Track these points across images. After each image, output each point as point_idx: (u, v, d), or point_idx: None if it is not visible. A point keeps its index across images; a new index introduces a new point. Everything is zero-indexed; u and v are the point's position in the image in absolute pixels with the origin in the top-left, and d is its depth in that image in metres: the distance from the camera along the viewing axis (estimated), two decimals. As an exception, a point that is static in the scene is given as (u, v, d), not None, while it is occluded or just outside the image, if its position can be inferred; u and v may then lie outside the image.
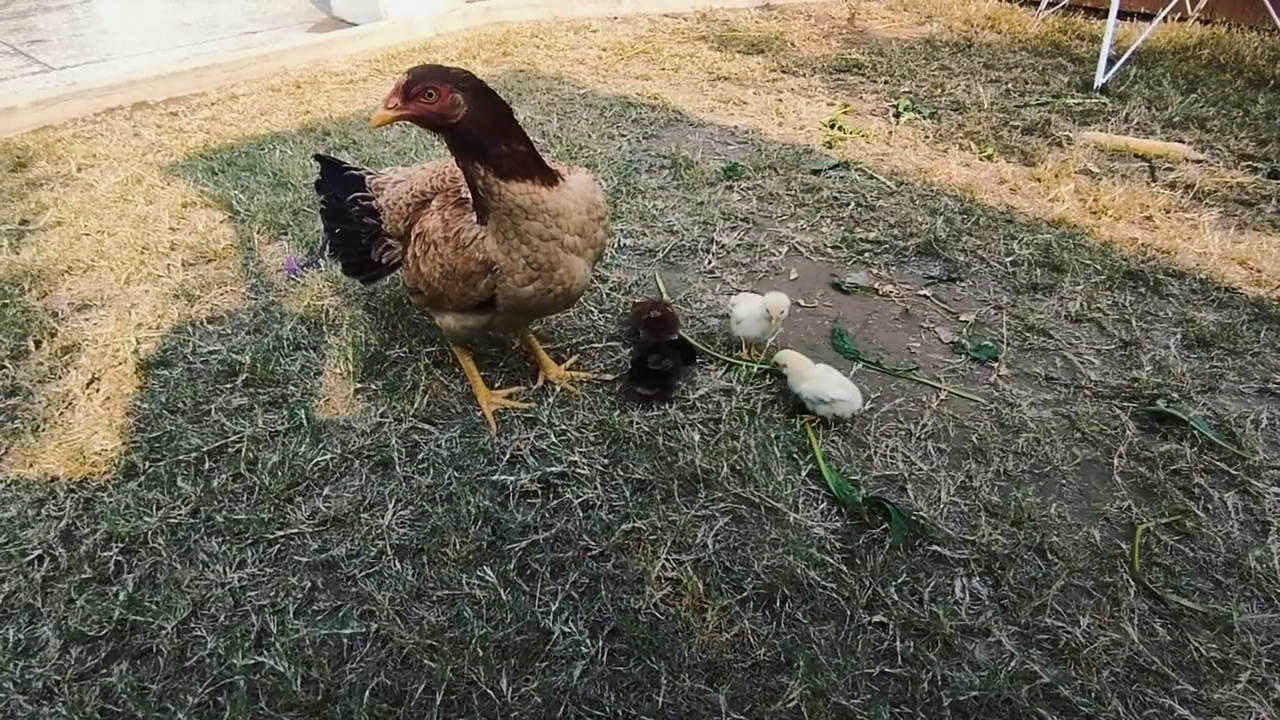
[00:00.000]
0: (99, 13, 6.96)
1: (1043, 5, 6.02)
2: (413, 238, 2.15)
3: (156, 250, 3.14)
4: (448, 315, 2.18)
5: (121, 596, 1.76)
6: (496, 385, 2.40)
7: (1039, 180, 3.60)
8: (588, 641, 1.68)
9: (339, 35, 5.70)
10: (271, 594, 1.79)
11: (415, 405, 2.30)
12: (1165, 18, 5.24)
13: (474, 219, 1.97)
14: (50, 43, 5.93)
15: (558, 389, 2.35)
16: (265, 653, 1.65)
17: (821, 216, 3.37)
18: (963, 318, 2.72)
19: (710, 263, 3.05)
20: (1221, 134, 4.01)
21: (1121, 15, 4.84)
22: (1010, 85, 4.77)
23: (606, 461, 2.12)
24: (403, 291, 2.70)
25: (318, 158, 2.56)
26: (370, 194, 2.34)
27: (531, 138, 4.11)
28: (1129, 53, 4.76)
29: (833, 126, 4.25)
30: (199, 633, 1.71)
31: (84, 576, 1.82)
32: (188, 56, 5.38)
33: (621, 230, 3.24)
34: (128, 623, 1.72)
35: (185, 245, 3.18)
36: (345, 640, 1.70)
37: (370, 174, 2.40)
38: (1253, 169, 3.66)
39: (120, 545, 1.89)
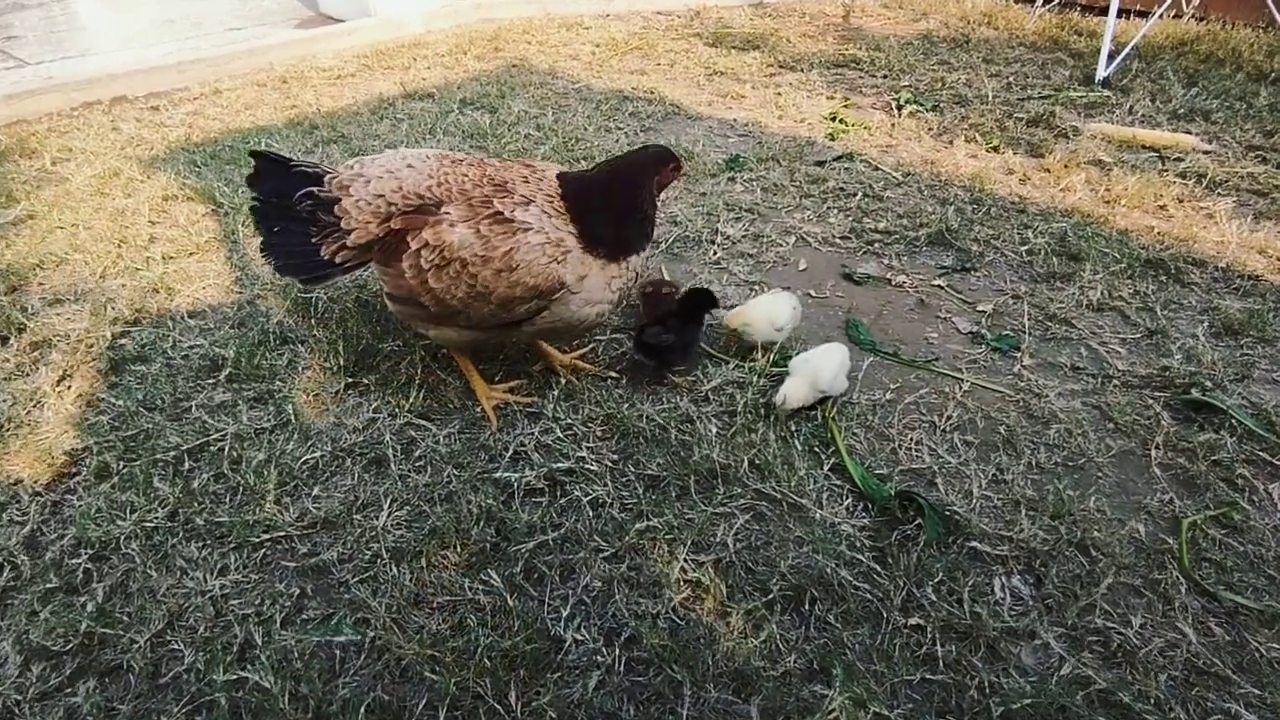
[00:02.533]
0: (77, 10, 6.78)
1: (1039, 2, 5.98)
2: (412, 247, 1.93)
3: (135, 244, 2.98)
4: (449, 329, 2.04)
5: (90, 607, 1.61)
6: (497, 379, 2.27)
7: (1048, 171, 3.51)
8: (603, 650, 1.55)
9: (327, 31, 5.56)
10: (256, 602, 1.64)
11: (411, 400, 2.16)
12: (1161, 15, 5.20)
13: (533, 239, 1.86)
14: (26, 39, 5.75)
15: (563, 381, 2.22)
16: (249, 666, 1.50)
17: (829, 207, 3.27)
18: (980, 307, 2.62)
19: (715, 253, 2.93)
20: (1227, 126, 3.95)
21: (1118, 13, 4.79)
22: (1011, 79, 4.70)
23: (616, 457, 1.99)
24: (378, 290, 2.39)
25: (254, 154, 2.24)
26: (328, 191, 2.08)
27: (526, 131, 4.01)
28: (1129, 47, 4.71)
29: (834, 119, 4.16)
30: (175, 646, 1.55)
31: (49, 586, 1.66)
32: (170, 52, 5.22)
33: (623, 221, 3.12)
34: (96, 636, 1.56)
35: (166, 238, 3.03)
36: (338, 651, 1.55)
37: (328, 172, 2.13)
38: (1262, 159, 3.60)
39: (90, 551, 1.73)
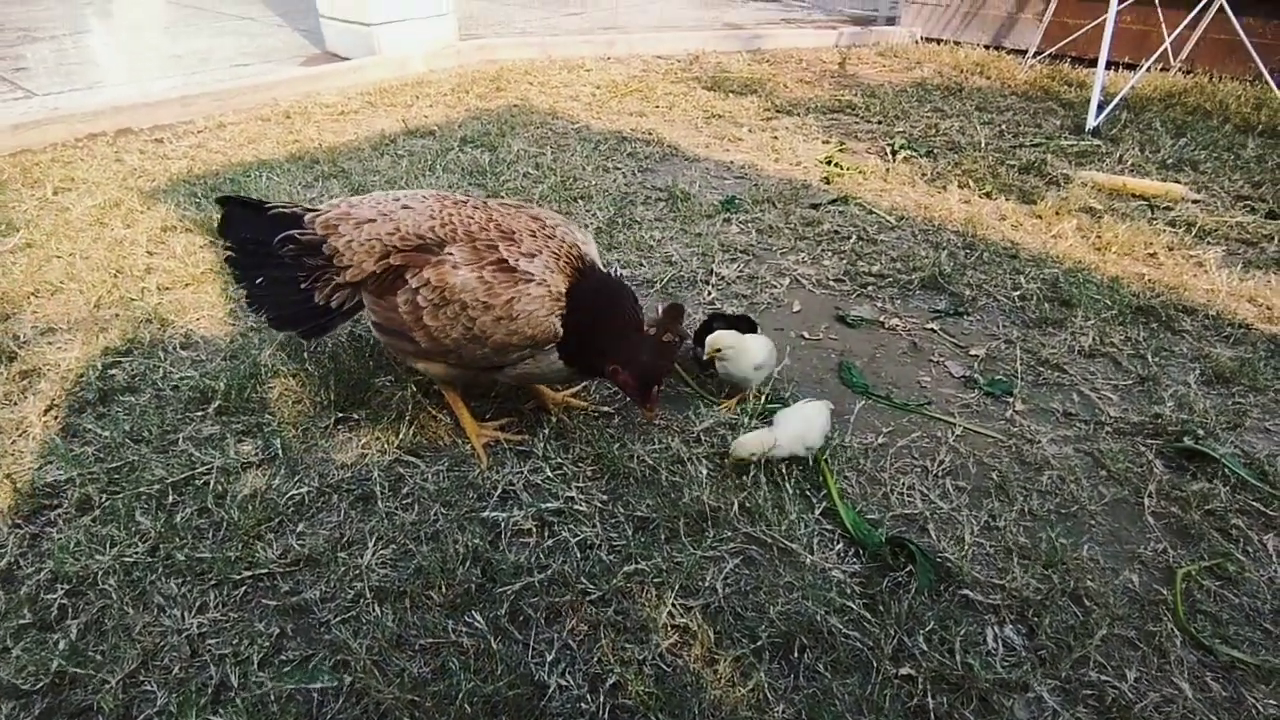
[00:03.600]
0: (87, 44, 6.91)
1: (1030, 53, 6.13)
2: (411, 284, 1.92)
3: (131, 274, 2.99)
4: (436, 365, 2.04)
5: (62, 645, 1.57)
6: (487, 416, 2.26)
7: (1040, 217, 3.56)
8: (587, 696, 1.51)
9: (331, 68, 5.66)
10: (234, 642, 1.60)
11: (400, 436, 2.14)
12: (1149, 68, 5.34)
13: (535, 291, 1.87)
14: (35, 71, 5.85)
15: (554, 419, 2.21)
16: (223, 710, 1.46)
17: (823, 249, 3.30)
18: (973, 352, 2.63)
19: (710, 294, 2.95)
20: (1216, 176, 4.02)
21: (1107, 65, 4.91)
22: (1004, 127, 4.79)
23: (606, 497, 1.97)
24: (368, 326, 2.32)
25: (221, 200, 2.17)
26: (311, 232, 2.03)
27: (525, 170, 4.05)
28: (1118, 98, 4.82)
29: (829, 163, 4.22)
30: (148, 687, 1.51)
31: (22, 622, 1.62)
32: (176, 86, 5.30)
33: (618, 260, 3.14)
34: (67, 675, 1.52)
35: (162, 269, 3.03)
36: (315, 695, 1.51)
37: (308, 210, 2.08)
38: (1251, 209, 3.66)
39: (66, 587, 1.70)
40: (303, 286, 2.03)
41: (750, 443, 1.98)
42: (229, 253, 2.13)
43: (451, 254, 1.92)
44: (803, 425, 2.02)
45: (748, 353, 2.22)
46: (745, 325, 2.42)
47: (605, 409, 2.28)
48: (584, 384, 2.41)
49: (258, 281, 2.08)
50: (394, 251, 1.96)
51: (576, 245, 1.99)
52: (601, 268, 2.04)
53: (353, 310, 2.05)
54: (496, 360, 1.94)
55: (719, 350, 2.21)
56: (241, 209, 2.14)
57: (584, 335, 1.92)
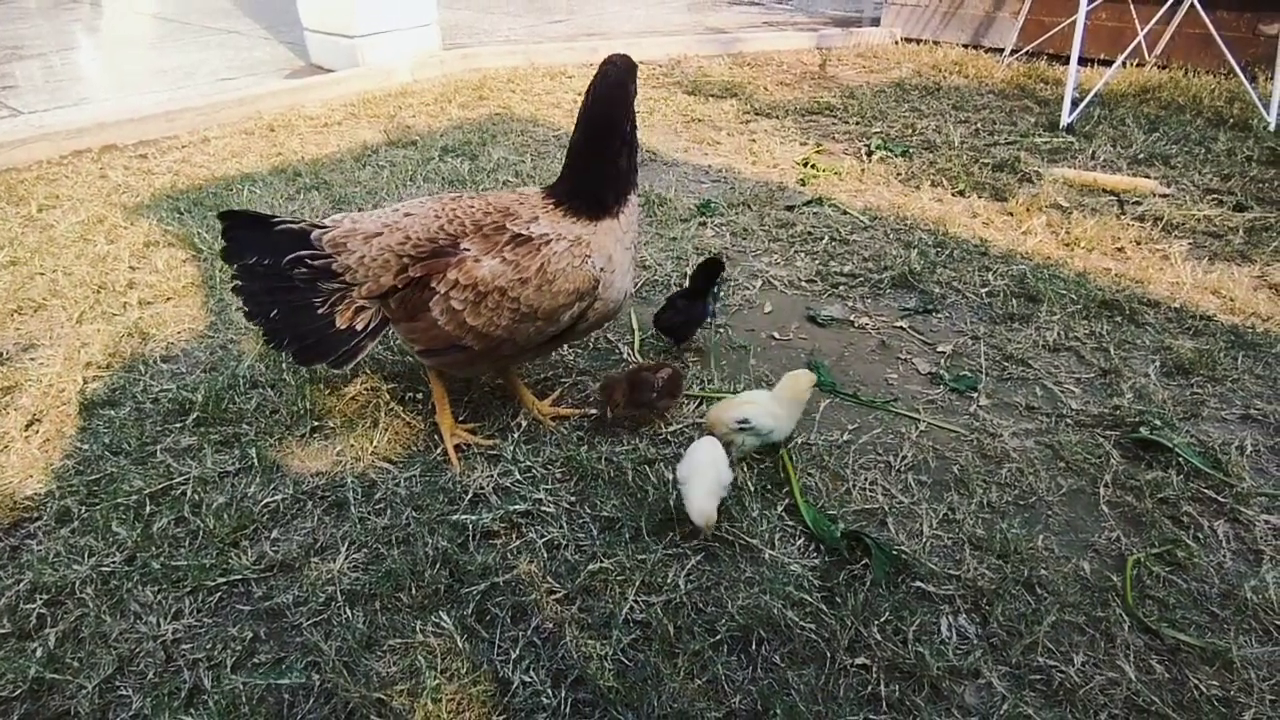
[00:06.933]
0: (75, 60, 6.96)
1: (1007, 51, 6.19)
2: (441, 291, 1.92)
3: (113, 289, 3.03)
4: (486, 364, 2.12)
5: (40, 653, 1.61)
6: (460, 419, 2.30)
7: (1011, 214, 3.61)
8: (549, 692, 1.55)
9: (315, 80, 5.71)
10: (208, 646, 1.65)
11: (374, 443, 2.19)
12: (1124, 63, 5.40)
13: (558, 247, 1.92)
14: (22, 88, 5.89)
15: (524, 423, 2.26)
16: (196, 712, 1.51)
17: (796, 251, 3.35)
18: (940, 348, 2.68)
19: (684, 297, 2.99)
20: (1186, 170, 4.07)
21: (1082, 61, 4.97)
22: (979, 125, 4.85)
23: (573, 499, 2.01)
24: (405, 351, 2.31)
25: (224, 215, 2.05)
26: (323, 252, 1.99)
27: (505, 178, 4.09)
28: (1092, 94, 4.88)
29: (806, 165, 4.28)
30: (124, 692, 1.56)
31: (1, 632, 1.67)
32: (161, 101, 5.35)
33: (594, 265, 3.19)
34: (45, 682, 1.57)
35: (144, 284, 3.08)
36: (286, 697, 1.55)
37: (318, 227, 2.02)
38: (1218, 202, 3.71)
39: (45, 597, 1.74)
40: (320, 312, 1.99)
41: (709, 509, 1.80)
42: (236, 281, 2.05)
43: (468, 249, 1.94)
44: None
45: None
46: (711, 269, 2.58)
47: (592, 411, 2.31)
48: (560, 391, 2.45)
49: (272, 315, 2.00)
50: (411, 262, 1.95)
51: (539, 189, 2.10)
52: None
53: (379, 329, 2.02)
54: (550, 330, 1.99)
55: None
56: (246, 227, 2.06)
57: (591, 156, 1.99)
